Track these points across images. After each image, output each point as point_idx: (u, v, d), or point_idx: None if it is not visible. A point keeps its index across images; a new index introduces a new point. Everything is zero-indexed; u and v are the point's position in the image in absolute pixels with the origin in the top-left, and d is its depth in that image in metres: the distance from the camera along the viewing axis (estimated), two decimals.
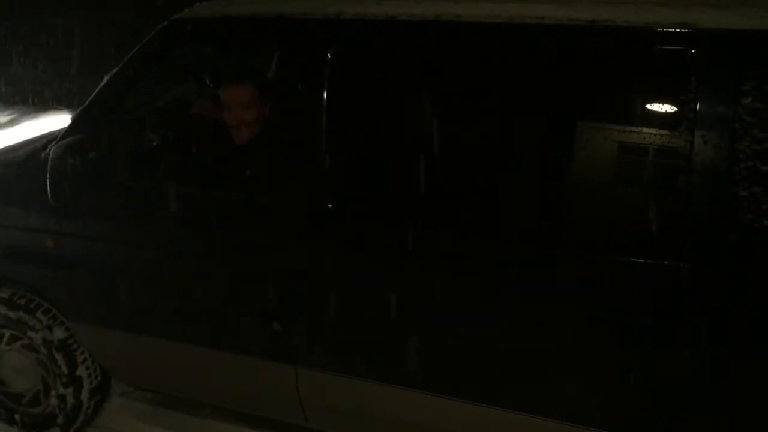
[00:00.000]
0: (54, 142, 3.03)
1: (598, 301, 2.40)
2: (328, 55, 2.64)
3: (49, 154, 2.92)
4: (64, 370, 3.35)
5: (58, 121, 6.92)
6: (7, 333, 3.44)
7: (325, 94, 2.65)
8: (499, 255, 2.52)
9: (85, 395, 3.42)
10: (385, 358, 2.77)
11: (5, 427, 3.60)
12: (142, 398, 3.82)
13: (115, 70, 3.01)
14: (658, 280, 2.30)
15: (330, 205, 2.69)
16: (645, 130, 2.34)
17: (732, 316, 2.25)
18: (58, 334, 3.34)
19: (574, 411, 2.52)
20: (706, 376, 2.32)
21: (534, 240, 2.48)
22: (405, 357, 2.72)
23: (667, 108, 2.34)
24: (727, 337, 2.27)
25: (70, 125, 3.10)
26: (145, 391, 3.73)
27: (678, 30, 2.26)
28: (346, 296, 2.76)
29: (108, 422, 3.68)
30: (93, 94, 3.06)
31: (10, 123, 8.11)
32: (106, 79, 3.02)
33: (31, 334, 3.35)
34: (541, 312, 2.48)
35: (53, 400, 3.43)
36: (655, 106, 2.37)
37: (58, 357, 3.34)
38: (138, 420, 3.70)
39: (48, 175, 2.88)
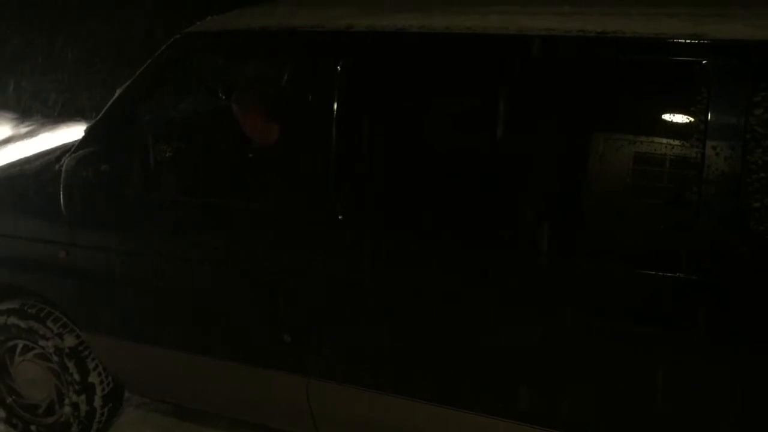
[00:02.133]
0: (68, 155, 3.07)
1: (608, 312, 2.39)
2: (339, 67, 2.65)
3: (62, 166, 2.96)
4: (76, 377, 3.37)
5: (76, 132, 6.98)
6: (20, 344, 3.48)
7: (336, 106, 2.66)
8: (511, 265, 2.51)
9: (98, 402, 3.44)
10: (398, 369, 2.76)
11: None
12: (157, 410, 3.83)
13: (127, 83, 3.04)
14: (669, 292, 2.28)
15: (341, 216, 2.70)
16: (656, 141, 2.33)
17: (744, 329, 2.23)
18: (69, 341, 3.36)
19: (582, 423, 2.51)
20: (716, 389, 2.29)
21: (546, 250, 2.46)
22: (417, 369, 2.72)
23: (678, 119, 2.33)
24: (739, 350, 2.24)
25: (84, 138, 3.13)
26: (161, 403, 3.73)
27: (689, 41, 2.25)
28: (357, 307, 2.76)
29: None
30: (106, 107, 3.09)
31: (29, 134, 8.18)
32: (118, 92, 3.05)
33: (42, 342, 3.37)
34: (553, 322, 2.46)
35: (67, 409, 3.45)
36: (665, 118, 2.36)
37: (70, 364, 3.36)
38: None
39: (61, 187, 2.92)
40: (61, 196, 2.93)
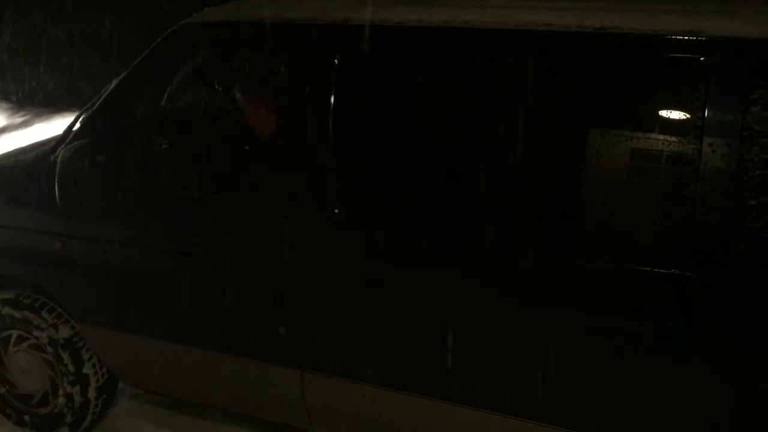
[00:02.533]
0: (63, 145, 3.05)
1: (603, 310, 2.40)
2: (336, 60, 2.64)
3: (58, 156, 2.95)
4: (71, 368, 3.37)
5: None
6: (15, 334, 3.48)
7: (333, 100, 2.65)
8: (506, 262, 2.52)
9: (92, 393, 3.44)
10: (391, 363, 2.77)
11: (16, 428, 3.63)
12: (151, 401, 3.84)
13: (124, 74, 3.03)
14: (665, 289, 2.29)
15: (337, 210, 2.69)
16: (653, 138, 2.33)
17: (739, 326, 2.24)
18: (64, 332, 3.36)
19: (581, 420, 2.52)
20: (711, 385, 2.31)
21: (541, 247, 2.47)
22: (411, 363, 2.73)
23: (675, 116, 2.33)
24: (733, 347, 2.25)
25: (79, 128, 3.12)
26: (155, 394, 3.74)
27: (686, 38, 2.25)
28: (352, 301, 2.76)
29: (117, 425, 3.70)
30: (102, 98, 3.08)
31: (24, 124, 8.16)
32: (114, 82, 3.04)
33: (37, 333, 3.37)
34: (549, 320, 2.47)
35: (61, 399, 3.45)
36: (662, 115, 2.36)
37: (65, 355, 3.36)
38: (147, 422, 3.71)
39: (56, 178, 2.91)
40: (57, 187, 2.92)
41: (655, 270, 2.28)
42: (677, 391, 2.35)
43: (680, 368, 2.33)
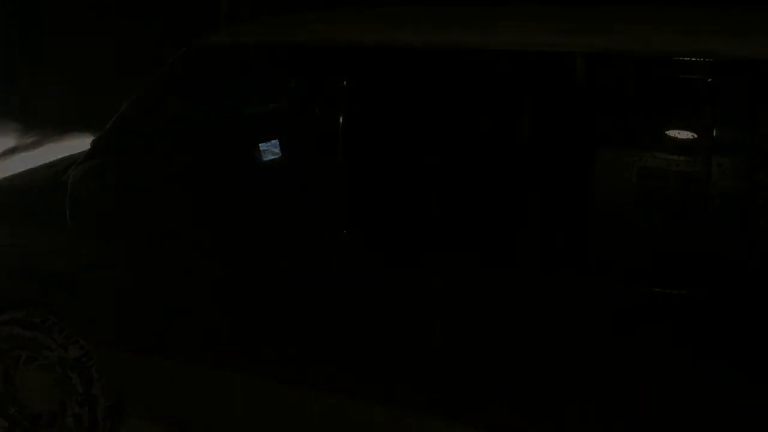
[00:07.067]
0: (74, 166, 3.08)
1: (613, 330, 2.39)
2: (346, 83, 2.66)
3: (69, 177, 2.97)
4: (80, 388, 3.37)
5: (81, 143, 6.99)
6: (24, 354, 3.47)
7: (342, 121, 2.67)
8: (516, 283, 2.52)
9: (100, 414, 3.43)
10: (405, 385, 2.75)
11: None
12: (160, 422, 3.81)
13: (135, 95, 3.05)
14: (675, 310, 2.28)
15: (345, 231, 2.70)
16: (661, 158, 2.33)
17: (752, 348, 2.22)
18: (73, 352, 3.35)
19: None
20: (718, 406, 2.29)
21: (550, 267, 2.47)
22: (424, 384, 2.71)
23: (684, 137, 2.33)
24: (746, 369, 2.24)
25: (91, 149, 3.15)
26: (163, 416, 3.72)
27: (694, 59, 2.26)
28: (361, 321, 2.75)
29: None
30: (113, 119, 3.11)
31: (33, 145, 8.20)
32: (126, 103, 3.07)
33: (46, 353, 3.37)
34: (558, 340, 2.47)
35: (69, 420, 3.44)
36: (670, 135, 2.37)
37: (73, 376, 3.35)
38: None
39: (68, 198, 2.93)
40: (67, 207, 2.95)
41: (665, 291, 2.28)
42: (684, 410, 2.34)
43: (688, 389, 2.31)
